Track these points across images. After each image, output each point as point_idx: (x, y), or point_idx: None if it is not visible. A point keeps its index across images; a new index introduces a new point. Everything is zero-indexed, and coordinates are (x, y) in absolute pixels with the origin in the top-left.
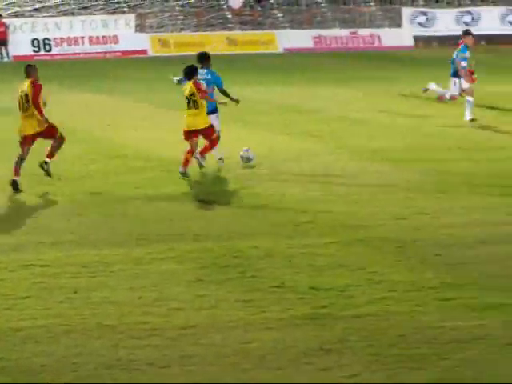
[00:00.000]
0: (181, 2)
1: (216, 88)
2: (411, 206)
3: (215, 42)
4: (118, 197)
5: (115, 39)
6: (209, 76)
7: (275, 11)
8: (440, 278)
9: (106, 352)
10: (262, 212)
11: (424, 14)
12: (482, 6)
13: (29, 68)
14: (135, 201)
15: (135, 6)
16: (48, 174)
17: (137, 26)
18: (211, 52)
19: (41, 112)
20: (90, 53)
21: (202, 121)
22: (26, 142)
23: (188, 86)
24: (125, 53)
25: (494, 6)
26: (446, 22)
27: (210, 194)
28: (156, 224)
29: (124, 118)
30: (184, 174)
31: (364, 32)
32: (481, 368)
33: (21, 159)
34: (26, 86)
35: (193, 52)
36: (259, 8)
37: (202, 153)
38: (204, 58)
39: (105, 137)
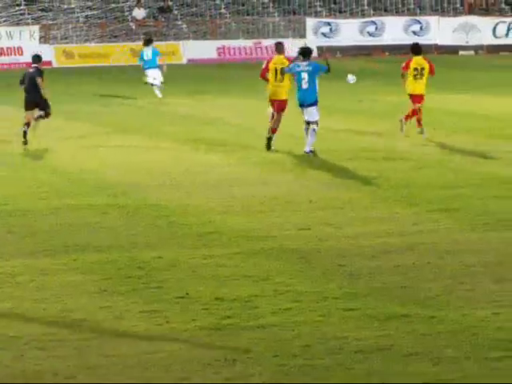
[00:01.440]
0: (85, 14)
1: (322, 74)
2: (314, 216)
3: (119, 53)
4: (23, 208)
5: (20, 51)
6: (311, 68)
7: (179, 22)
8: (343, 288)
9: (11, 363)
10: (165, 223)
11: (328, 24)
12: (385, 15)
13: (280, 45)
14: (40, 212)
15: (39, 17)
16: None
17: (41, 37)
18: (115, 63)
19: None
20: None
21: (423, 87)
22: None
23: (419, 61)
24: (29, 64)
25: (397, 16)
26: (349, 33)
27: (113, 205)
28: (60, 235)
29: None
30: (422, 131)
31: (268, 42)
32: (385, 378)
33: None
34: (281, 60)
35: (97, 63)
36: (163, 19)
37: (407, 118)
38: (308, 53)
39: (10, 148)
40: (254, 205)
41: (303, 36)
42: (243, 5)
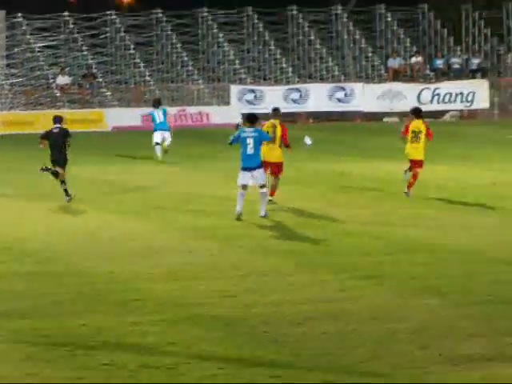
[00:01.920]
0: (10, 81)
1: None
2: (240, 283)
3: (44, 120)
4: None
5: None
6: (256, 134)
7: (103, 89)
8: (269, 355)
9: None
10: (91, 290)
11: (252, 91)
12: (310, 82)
13: (276, 110)
14: None
15: None
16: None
17: None
18: (41, 131)
19: (286, 146)
20: None
21: (420, 152)
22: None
23: (417, 124)
24: None
25: (322, 83)
26: (274, 100)
27: (39, 272)
28: None
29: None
30: (407, 194)
31: (192, 109)
32: None
33: None
34: (271, 123)
35: (22, 131)
36: (87, 86)
37: (410, 186)
38: (254, 119)
39: None
40: (179, 272)
41: (228, 103)
42: (168, 72)
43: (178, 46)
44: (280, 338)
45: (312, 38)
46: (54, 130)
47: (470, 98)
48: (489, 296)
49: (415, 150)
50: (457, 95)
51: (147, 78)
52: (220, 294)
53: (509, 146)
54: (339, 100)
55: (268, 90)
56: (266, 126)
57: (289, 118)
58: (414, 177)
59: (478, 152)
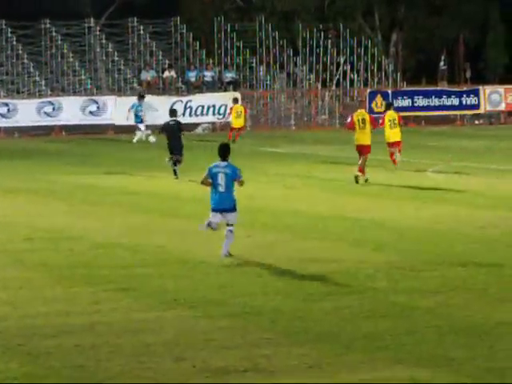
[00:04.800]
0: None
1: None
2: None
3: None
4: None
5: None
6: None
7: None
8: (24, 368)
9: None
10: None
11: (6, 104)
12: (63, 96)
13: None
14: None
15: None
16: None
17: None
18: None
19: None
20: None
21: (398, 135)
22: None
23: (391, 114)
24: None
25: (74, 96)
26: (27, 113)
27: None
28: None
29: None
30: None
31: None
32: None
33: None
34: (362, 113)
35: None
36: None
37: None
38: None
39: None
40: None
41: None
42: None
43: None
44: (34, 350)
45: (65, 51)
46: (171, 123)
47: (222, 111)
48: (241, 308)
49: (394, 134)
50: (209, 108)
51: None
52: None
53: (261, 158)
54: (92, 113)
55: (21, 104)
56: (356, 115)
57: (43, 131)
58: (399, 151)
59: None
